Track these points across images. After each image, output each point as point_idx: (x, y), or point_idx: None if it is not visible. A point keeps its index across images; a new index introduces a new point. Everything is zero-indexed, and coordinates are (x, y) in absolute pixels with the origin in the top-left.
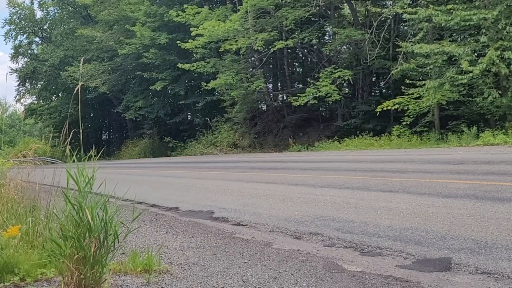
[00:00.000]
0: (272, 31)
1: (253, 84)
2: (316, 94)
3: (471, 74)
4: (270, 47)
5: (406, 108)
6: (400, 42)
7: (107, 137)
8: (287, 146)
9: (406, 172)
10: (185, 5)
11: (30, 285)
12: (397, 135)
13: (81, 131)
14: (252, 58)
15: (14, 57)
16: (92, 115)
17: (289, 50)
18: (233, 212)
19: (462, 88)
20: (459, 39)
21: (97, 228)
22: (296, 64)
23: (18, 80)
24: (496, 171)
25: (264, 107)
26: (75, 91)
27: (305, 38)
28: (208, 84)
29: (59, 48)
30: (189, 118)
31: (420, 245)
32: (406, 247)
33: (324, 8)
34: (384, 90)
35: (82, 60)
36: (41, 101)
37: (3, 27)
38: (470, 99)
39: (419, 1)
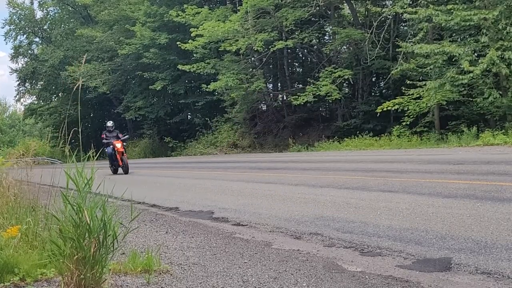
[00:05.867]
0: (272, 31)
1: (253, 84)
2: (316, 93)
3: (471, 74)
4: (270, 47)
5: (406, 108)
6: (400, 42)
7: None
8: (287, 146)
9: (406, 172)
10: (185, 5)
11: (30, 285)
12: (397, 135)
13: (80, 130)
14: (252, 59)
15: (14, 57)
16: (92, 115)
17: (289, 50)
18: (233, 212)
19: (462, 88)
20: (459, 39)
21: (96, 229)
22: (296, 64)
23: (18, 80)
24: (496, 171)
25: (264, 107)
26: (74, 89)
27: (305, 38)
28: (208, 86)
29: (59, 49)
30: (189, 118)
31: (420, 245)
32: (406, 247)
33: (324, 8)
34: (384, 90)
35: (84, 58)
36: (41, 101)
37: (3, 27)
38: (470, 99)
39: (419, 1)
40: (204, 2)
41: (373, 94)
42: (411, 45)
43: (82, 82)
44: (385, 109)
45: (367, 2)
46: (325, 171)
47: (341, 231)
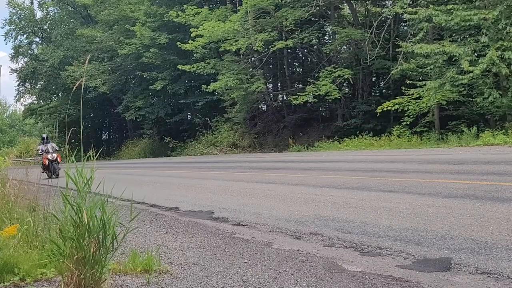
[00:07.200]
0: (272, 31)
1: (253, 84)
2: (316, 92)
3: (471, 74)
4: (270, 47)
5: (406, 108)
6: (400, 42)
7: (107, 137)
8: (287, 146)
9: (406, 172)
10: (185, 6)
11: (30, 285)
12: (397, 135)
13: (81, 130)
14: (252, 59)
15: (14, 57)
16: (92, 115)
17: (289, 50)
18: (233, 212)
19: (462, 88)
20: (459, 39)
21: (96, 229)
22: (296, 64)
23: (18, 80)
24: (496, 171)
25: (264, 107)
26: (74, 88)
27: (305, 38)
28: (208, 87)
29: (59, 49)
30: (189, 118)
31: (420, 245)
32: (406, 247)
33: (324, 8)
34: (384, 90)
35: (88, 58)
36: (41, 101)
37: (3, 27)
38: (470, 99)
39: (419, 1)
40: (204, 2)
41: (373, 94)
42: (411, 45)
43: (83, 82)
44: (385, 109)
45: (367, 2)
46: (325, 171)
47: (341, 231)
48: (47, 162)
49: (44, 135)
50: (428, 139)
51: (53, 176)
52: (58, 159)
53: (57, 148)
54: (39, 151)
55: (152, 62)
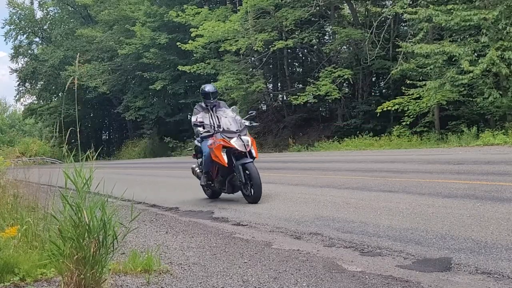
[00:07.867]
0: (272, 31)
1: (253, 84)
2: (316, 93)
3: (471, 74)
4: (270, 47)
5: (406, 108)
6: (400, 42)
7: (107, 137)
8: (287, 146)
9: (406, 172)
10: (185, 6)
11: (30, 285)
12: (397, 135)
13: (78, 130)
14: (252, 59)
15: (14, 57)
16: (92, 115)
17: (289, 50)
18: (233, 212)
19: (462, 88)
20: (459, 39)
21: (96, 229)
22: (296, 64)
23: (18, 80)
24: (496, 171)
25: (264, 107)
26: (66, 87)
27: (305, 38)
28: None
29: (59, 49)
30: (189, 118)
31: (420, 245)
32: (406, 247)
33: (324, 8)
34: (384, 90)
35: (77, 57)
36: (41, 101)
37: (3, 27)
38: (470, 99)
39: (419, 1)
40: (204, 2)
41: (373, 94)
42: (411, 45)
43: (82, 82)
44: (385, 109)
45: (367, 2)
46: (325, 171)
47: (341, 231)
48: (224, 158)
49: (211, 88)
50: (428, 139)
51: (247, 194)
52: (253, 151)
53: (248, 122)
54: (201, 131)
55: (152, 62)
